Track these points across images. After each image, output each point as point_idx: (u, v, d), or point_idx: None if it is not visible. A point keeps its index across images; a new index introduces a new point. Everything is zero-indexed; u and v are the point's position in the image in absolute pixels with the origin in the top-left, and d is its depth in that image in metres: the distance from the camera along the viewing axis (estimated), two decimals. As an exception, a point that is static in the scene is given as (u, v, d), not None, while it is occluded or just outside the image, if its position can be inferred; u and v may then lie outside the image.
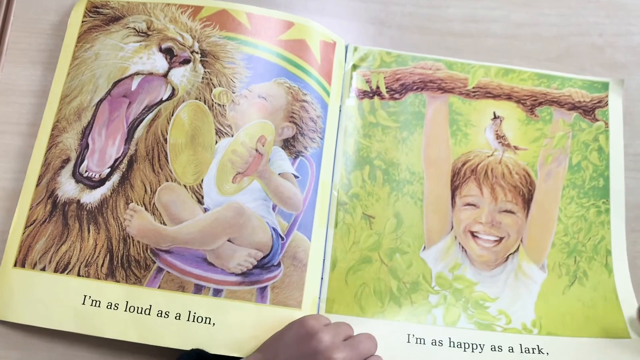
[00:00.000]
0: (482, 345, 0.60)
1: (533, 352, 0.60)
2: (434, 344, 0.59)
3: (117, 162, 0.63)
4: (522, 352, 0.60)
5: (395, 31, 0.72)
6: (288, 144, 0.64)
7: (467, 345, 0.60)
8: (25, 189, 0.62)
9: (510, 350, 0.60)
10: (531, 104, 0.68)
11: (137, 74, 0.65)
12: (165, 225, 0.61)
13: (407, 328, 0.60)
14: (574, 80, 0.69)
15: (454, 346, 0.60)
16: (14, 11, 0.69)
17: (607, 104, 0.69)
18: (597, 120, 0.68)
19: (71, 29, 0.68)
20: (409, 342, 0.59)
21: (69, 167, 0.63)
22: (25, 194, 0.62)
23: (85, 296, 0.58)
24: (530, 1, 0.73)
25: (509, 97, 0.68)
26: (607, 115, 0.68)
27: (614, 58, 0.71)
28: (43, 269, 0.59)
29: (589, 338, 0.60)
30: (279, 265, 0.61)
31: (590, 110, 0.68)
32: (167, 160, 0.63)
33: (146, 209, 0.61)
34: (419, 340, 0.60)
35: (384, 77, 0.68)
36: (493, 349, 0.60)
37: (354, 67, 0.69)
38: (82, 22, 0.68)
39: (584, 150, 0.67)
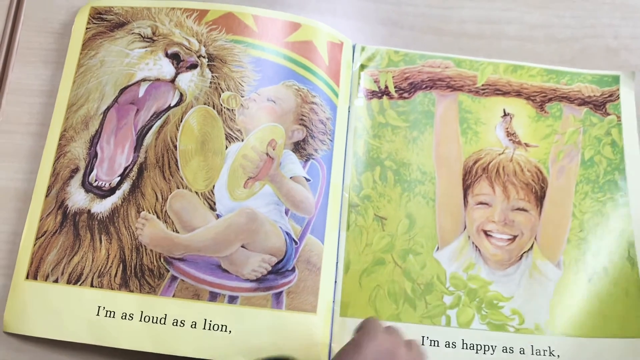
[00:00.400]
0: (494, 347, 0.59)
1: (544, 354, 0.59)
2: (447, 346, 0.58)
3: (127, 171, 0.61)
4: (532, 353, 0.59)
5: (407, 32, 0.70)
6: (298, 147, 0.63)
7: (479, 347, 0.59)
8: (35, 200, 0.60)
9: (522, 352, 0.59)
10: (541, 100, 0.67)
11: (144, 80, 0.64)
12: (178, 233, 0.59)
13: (422, 330, 0.59)
14: (584, 75, 0.68)
15: (466, 348, 0.59)
16: (25, 11, 0.68)
17: (618, 98, 0.67)
18: (608, 114, 0.67)
19: (75, 36, 0.66)
20: (423, 344, 0.58)
21: (78, 176, 0.61)
22: (35, 205, 0.60)
23: (99, 307, 0.57)
24: (545, 3, 0.71)
25: (518, 94, 0.66)
26: (619, 108, 0.67)
27: (629, 60, 0.69)
28: (55, 281, 0.58)
29: (602, 339, 0.59)
30: (293, 270, 0.59)
31: (600, 104, 0.67)
32: (177, 167, 0.61)
33: (158, 217, 0.60)
34: (433, 342, 0.59)
35: (393, 77, 0.67)
36: (504, 351, 0.59)
37: (362, 67, 0.67)
38: (86, 29, 0.66)
39: (597, 145, 0.66)
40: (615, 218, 0.63)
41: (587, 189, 0.64)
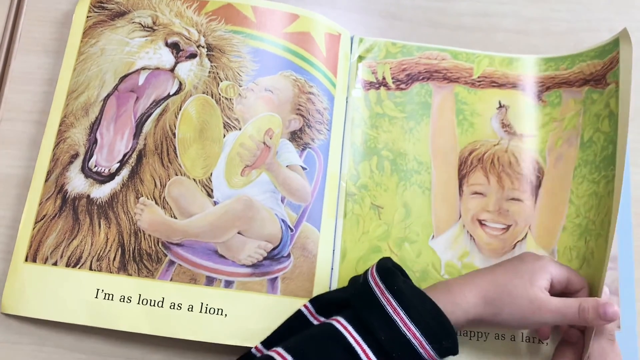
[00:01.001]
0: (486, 334, 0.62)
1: (533, 342, 0.62)
2: (442, 332, 0.62)
3: (126, 157, 0.65)
4: (522, 340, 0.62)
5: (405, 24, 0.74)
6: (295, 136, 0.67)
7: (472, 334, 0.62)
8: (34, 184, 0.64)
9: (512, 339, 0.62)
10: (538, 90, 0.69)
11: (143, 68, 0.67)
12: (176, 218, 0.63)
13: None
14: (585, 54, 0.69)
15: (460, 334, 0.62)
16: (27, 0, 0.72)
17: (618, 62, 0.65)
18: (608, 84, 0.66)
19: (76, 24, 0.69)
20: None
21: (78, 162, 0.65)
22: (34, 189, 0.64)
23: (97, 290, 0.60)
24: (541, -4, 0.75)
25: (514, 86, 0.70)
26: (618, 73, 0.64)
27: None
28: (55, 264, 0.61)
29: None
30: (288, 256, 0.63)
31: (601, 77, 0.67)
32: (176, 154, 0.65)
33: (156, 203, 0.63)
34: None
35: (390, 68, 0.70)
36: (497, 337, 0.62)
37: (360, 58, 0.71)
38: (87, 17, 0.70)
39: (596, 122, 0.66)
40: (605, 197, 0.62)
41: (584, 171, 0.65)
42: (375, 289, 0.54)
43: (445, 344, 0.52)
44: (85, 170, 0.64)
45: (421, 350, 0.51)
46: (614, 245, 0.63)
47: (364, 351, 0.51)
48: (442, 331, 0.52)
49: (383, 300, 0.53)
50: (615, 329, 0.57)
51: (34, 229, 0.62)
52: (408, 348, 0.51)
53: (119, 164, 0.64)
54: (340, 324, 0.53)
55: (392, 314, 0.52)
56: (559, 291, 0.58)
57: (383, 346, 0.51)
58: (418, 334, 0.51)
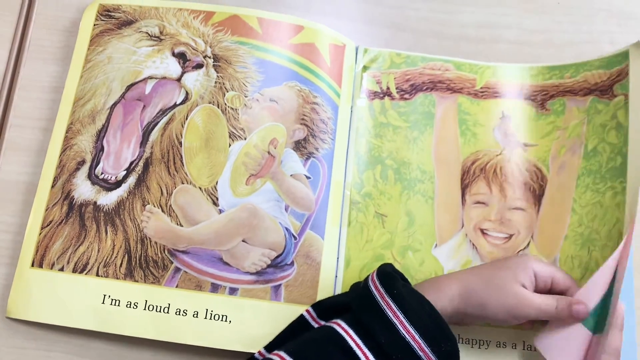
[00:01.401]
0: (488, 342, 0.64)
1: (535, 350, 0.64)
2: (445, 340, 0.64)
3: (133, 165, 0.67)
4: (524, 348, 0.64)
5: (410, 35, 0.77)
6: (299, 146, 0.69)
7: (474, 342, 0.64)
8: (41, 190, 0.67)
9: (514, 347, 0.64)
10: (542, 98, 0.72)
11: (150, 77, 0.70)
12: (182, 226, 0.66)
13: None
14: (590, 63, 0.71)
15: (462, 342, 0.64)
16: (36, 8, 0.75)
17: (627, 74, 0.67)
18: (615, 96, 0.68)
19: (83, 32, 0.72)
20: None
21: (85, 169, 0.67)
22: (41, 195, 0.66)
23: (104, 295, 0.63)
24: (544, 8, 0.78)
25: (517, 96, 0.72)
26: (627, 86, 0.66)
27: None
28: (61, 270, 0.64)
29: None
30: (292, 264, 0.65)
31: (607, 88, 0.69)
32: (182, 163, 0.68)
33: (162, 210, 0.66)
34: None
35: (394, 78, 0.73)
36: (498, 345, 0.64)
37: (365, 68, 0.74)
38: (94, 25, 0.73)
39: (601, 132, 0.68)
40: (612, 208, 0.64)
41: (588, 181, 0.67)
42: (376, 293, 0.56)
43: (444, 348, 0.54)
44: (92, 177, 0.67)
45: (420, 353, 0.53)
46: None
47: (364, 354, 0.53)
48: (440, 333, 0.54)
49: (383, 304, 0.55)
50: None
51: (40, 234, 0.65)
52: (408, 351, 0.53)
53: (125, 172, 0.67)
54: (341, 327, 0.55)
55: (392, 318, 0.54)
56: (545, 289, 0.60)
57: (383, 349, 0.53)
58: (417, 337, 0.53)
